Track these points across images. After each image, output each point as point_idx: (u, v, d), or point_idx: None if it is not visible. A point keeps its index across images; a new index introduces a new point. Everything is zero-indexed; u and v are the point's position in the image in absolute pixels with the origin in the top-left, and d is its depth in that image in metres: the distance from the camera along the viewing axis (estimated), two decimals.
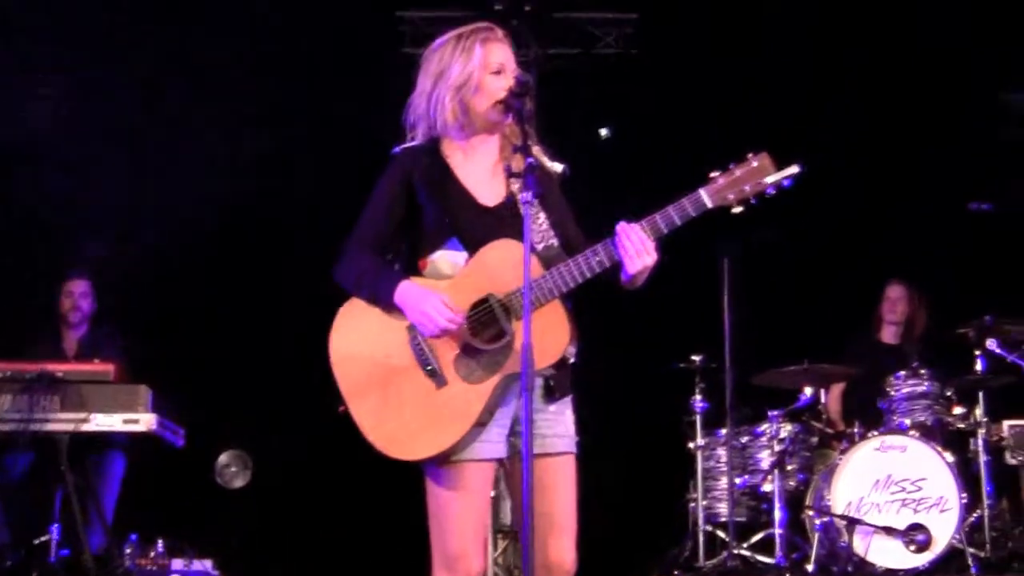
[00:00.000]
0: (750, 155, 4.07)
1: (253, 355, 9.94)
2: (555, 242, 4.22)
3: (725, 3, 10.50)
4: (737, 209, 4.06)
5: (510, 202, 4.22)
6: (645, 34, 11.04)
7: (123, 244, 10.00)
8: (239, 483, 8.95)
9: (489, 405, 4.06)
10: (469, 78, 4.25)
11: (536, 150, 4.36)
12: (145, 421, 7.53)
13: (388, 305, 4.15)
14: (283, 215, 10.19)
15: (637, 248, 4.02)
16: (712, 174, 4.06)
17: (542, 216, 4.25)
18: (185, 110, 10.19)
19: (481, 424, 4.08)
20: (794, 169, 4.05)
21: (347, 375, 4.20)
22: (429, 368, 4.10)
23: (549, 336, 4.02)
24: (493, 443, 4.12)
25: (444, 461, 4.09)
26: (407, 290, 4.13)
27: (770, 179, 4.03)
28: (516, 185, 4.08)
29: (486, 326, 4.10)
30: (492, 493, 5.18)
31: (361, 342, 4.21)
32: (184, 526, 8.21)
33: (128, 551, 7.62)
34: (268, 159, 10.17)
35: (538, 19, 10.75)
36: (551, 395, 4.21)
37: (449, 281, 4.16)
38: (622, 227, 4.05)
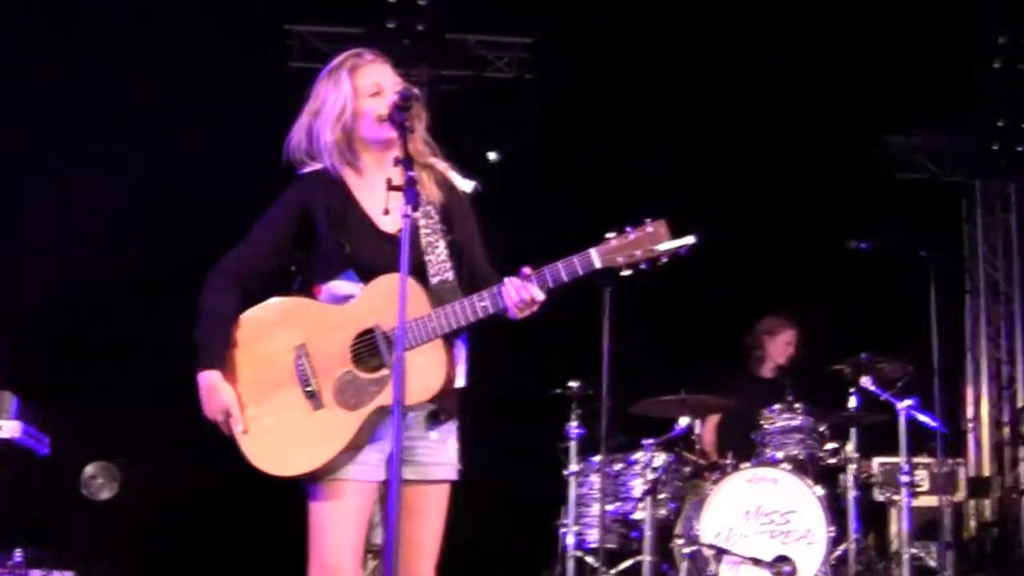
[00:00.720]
0: (647, 221, 4.09)
1: (124, 365, 9.79)
2: (450, 276, 4.24)
3: (622, 30, 10.58)
4: (626, 272, 4.08)
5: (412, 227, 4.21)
6: (540, 59, 11.07)
7: None
8: (105, 495, 8.86)
9: (361, 432, 4.10)
10: (343, 109, 4.28)
11: (444, 167, 4.43)
12: (9, 428, 7.44)
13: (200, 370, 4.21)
14: (158, 221, 10.03)
15: (524, 300, 4.05)
16: (607, 235, 4.07)
17: (441, 246, 4.27)
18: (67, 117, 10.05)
19: (355, 448, 4.11)
20: (689, 240, 4.07)
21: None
22: (309, 389, 4.15)
23: (425, 374, 4.05)
24: (371, 466, 4.16)
25: (321, 477, 4.12)
26: (208, 379, 4.18)
27: (662, 247, 4.05)
28: (399, 200, 4.04)
29: (370, 356, 4.13)
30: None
31: (245, 353, 4.24)
32: (48, 537, 8.06)
33: None
34: (150, 168, 10.06)
35: (430, 39, 10.72)
36: (436, 420, 4.26)
37: (341, 307, 4.20)
38: (510, 282, 4.06)
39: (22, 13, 9.88)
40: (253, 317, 4.28)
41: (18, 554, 7.46)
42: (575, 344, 9.08)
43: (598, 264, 4.05)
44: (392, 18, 10.48)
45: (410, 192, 3.96)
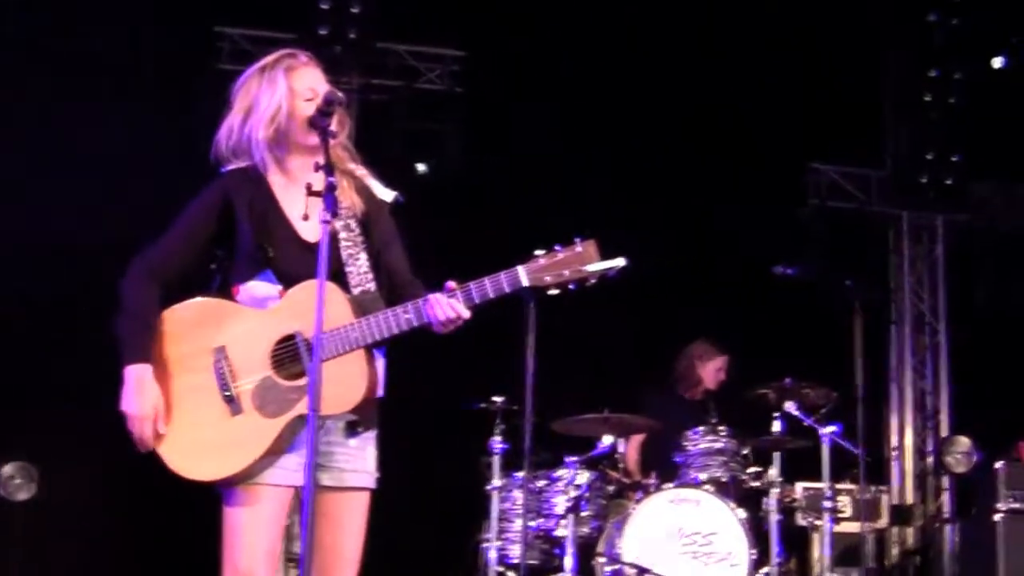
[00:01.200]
0: (577, 240, 4.05)
1: (43, 363, 9.66)
2: (372, 287, 4.18)
3: (553, 46, 10.60)
4: (554, 291, 4.04)
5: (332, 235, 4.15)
6: (470, 73, 11.05)
7: None
8: (23, 495, 8.80)
9: (280, 439, 4.05)
10: (279, 109, 4.21)
11: (358, 169, 4.39)
12: None
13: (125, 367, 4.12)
14: (84, 222, 9.91)
15: (448, 316, 4.01)
16: (536, 252, 4.04)
17: (363, 257, 4.22)
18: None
19: (273, 454, 4.05)
20: (619, 262, 4.04)
21: None
22: (227, 394, 4.08)
23: (344, 385, 4.00)
24: (290, 471, 4.09)
25: (238, 482, 4.06)
26: (134, 374, 4.09)
27: (591, 268, 4.01)
28: (318, 206, 3.96)
29: (291, 363, 4.08)
30: (288, 522, 5.10)
31: (164, 355, 4.17)
32: None
33: None
34: (77, 170, 9.97)
35: (361, 47, 10.66)
36: (354, 429, 4.20)
37: (262, 311, 4.15)
38: (435, 299, 4.02)
39: None
40: (173, 316, 4.20)
41: None
42: (499, 359, 9.07)
43: (525, 282, 4.00)
44: (324, 24, 10.43)
45: (329, 198, 3.89)
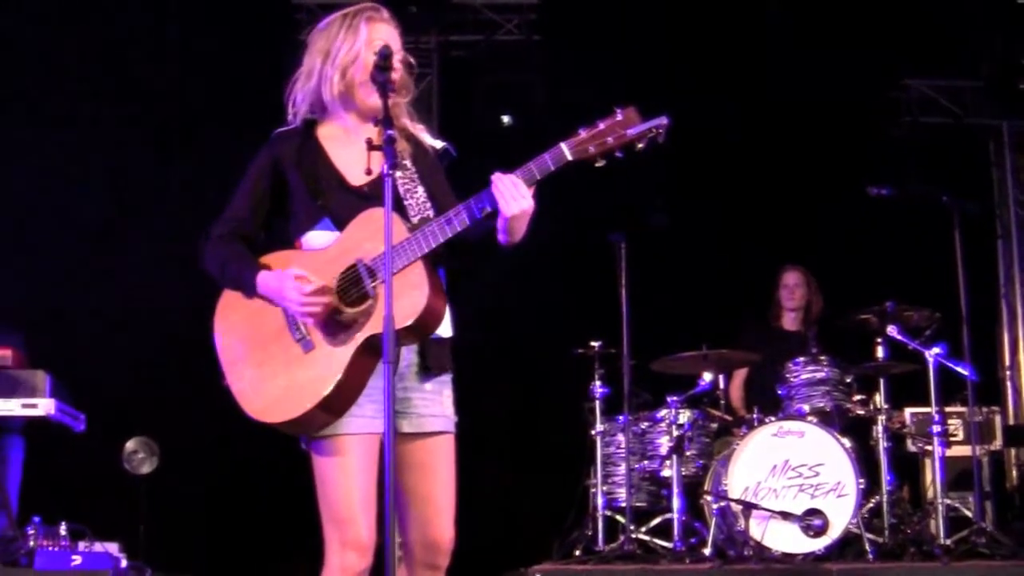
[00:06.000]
0: (616, 109, 4.03)
1: (163, 343, 9.81)
2: (431, 214, 4.19)
3: None
4: (600, 163, 4.02)
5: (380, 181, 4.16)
6: (547, 20, 10.95)
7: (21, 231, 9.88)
8: (146, 469, 9.04)
9: (353, 367, 4.05)
10: (356, 58, 4.26)
11: (412, 125, 4.42)
12: (44, 406, 7.63)
13: (258, 297, 4.21)
14: (175, 200, 10.03)
15: (512, 192, 3.98)
16: (579, 129, 4.02)
17: (420, 190, 4.25)
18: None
19: (352, 388, 4.07)
20: (662, 120, 4.00)
21: (226, 349, 4.29)
22: (299, 336, 4.14)
23: (407, 297, 3.99)
24: (368, 418, 4.12)
25: (319, 435, 4.11)
26: (265, 281, 4.18)
27: (632, 130, 3.98)
28: (379, 160, 3.98)
29: (354, 290, 4.11)
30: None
31: (241, 319, 4.28)
32: (91, 512, 8.13)
33: (31, 532, 7.53)
34: (156, 145, 10.12)
35: (437, 6, 10.60)
36: (427, 372, 4.23)
37: (322, 251, 4.20)
38: (496, 176, 4.01)
39: None
40: None
41: (63, 527, 7.55)
42: (595, 303, 9.05)
43: (569, 156, 4.00)
44: None
45: (389, 151, 3.91)
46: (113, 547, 7.75)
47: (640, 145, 4.00)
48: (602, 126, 4.01)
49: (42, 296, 9.63)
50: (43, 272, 9.74)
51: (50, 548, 7.32)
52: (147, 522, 8.97)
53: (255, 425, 4.17)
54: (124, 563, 7.66)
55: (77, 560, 7.23)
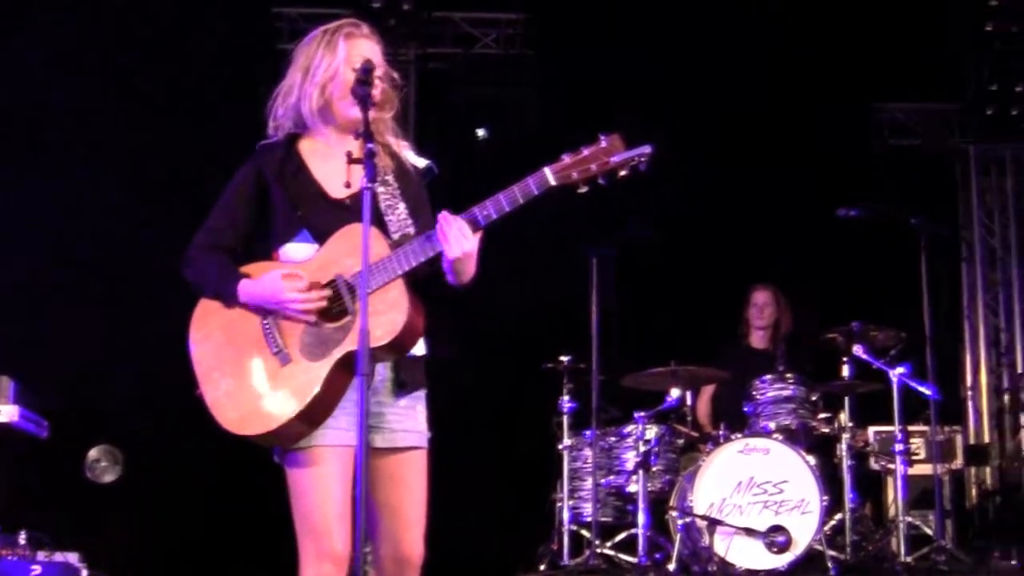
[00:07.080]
0: (601, 135, 4.06)
1: (128, 350, 9.79)
2: (412, 231, 4.22)
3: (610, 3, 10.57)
4: (583, 189, 4.04)
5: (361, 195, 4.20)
6: (527, 35, 11.02)
7: None
8: (109, 478, 8.93)
9: (330, 384, 4.05)
10: (335, 75, 4.28)
11: (396, 142, 4.43)
12: (7, 412, 7.56)
13: (239, 306, 4.21)
14: (150, 210, 10.02)
15: (455, 235, 4.01)
16: (562, 155, 4.05)
17: (401, 206, 4.27)
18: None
19: (327, 403, 4.07)
20: (644, 149, 4.04)
21: (201, 359, 4.26)
22: (276, 349, 4.14)
23: (387, 315, 4.02)
24: (343, 431, 4.11)
25: (294, 447, 4.11)
26: (248, 288, 4.19)
27: (615, 158, 4.01)
28: (359, 173, 4.02)
29: (334, 306, 4.12)
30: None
31: (217, 329, 4.26)
32: (52, 520, 8.09)
33: None
34: (139, 152, 10.11)
35: (416, 18, 10.67)
36: (401, 388, 4.24)
37: (299, 265, 4.20)
38: (442, 216, 4.05)
39: None
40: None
41: (22, 536, 7.51)
42: (566, 317, 9.09)
43: (553, 181, 4.01)
44: None
45: (369, 165, 3.94)
46: (73, 557, 7.69)
47: (623, 172, 4.04)
48: (586, 152, 4.04)
49: (5, 302, 9.56)
50: (4, 278, 9.65)
51: (8, 557, 7.27)
52: (109, 532, 8.93)
53: (222, 434, 4.14)
54: (85, 573, 7.61)
55: (36, 570, 7.19)
